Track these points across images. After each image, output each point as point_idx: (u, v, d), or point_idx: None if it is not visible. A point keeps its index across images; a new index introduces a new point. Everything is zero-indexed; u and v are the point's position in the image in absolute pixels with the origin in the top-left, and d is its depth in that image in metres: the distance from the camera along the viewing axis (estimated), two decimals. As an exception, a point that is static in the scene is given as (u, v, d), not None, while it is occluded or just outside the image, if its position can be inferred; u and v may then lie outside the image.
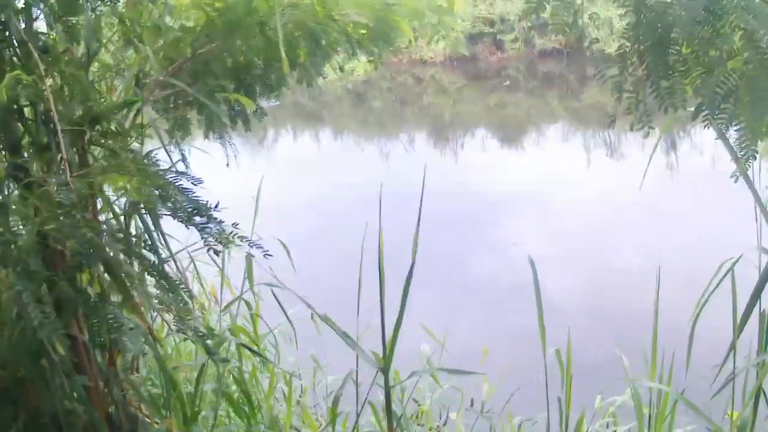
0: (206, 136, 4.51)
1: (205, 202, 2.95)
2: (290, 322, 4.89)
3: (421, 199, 3.65)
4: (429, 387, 6.13)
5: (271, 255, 3.21)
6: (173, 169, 3.31)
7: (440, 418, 6.62)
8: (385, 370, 3.56)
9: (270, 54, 4.37)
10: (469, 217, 14.47)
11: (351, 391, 4.18)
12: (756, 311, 3.37)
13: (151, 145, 4.03)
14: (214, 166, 4.69)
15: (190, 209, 2.91)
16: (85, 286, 3.14)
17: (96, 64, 3.71)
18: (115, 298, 3.26)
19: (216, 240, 2.88)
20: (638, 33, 2.52)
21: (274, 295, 4.83)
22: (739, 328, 3.43)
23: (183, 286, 3.23)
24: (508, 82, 32.43)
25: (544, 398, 4.15)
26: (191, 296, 3.27)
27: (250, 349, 4.82)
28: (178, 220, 2.97)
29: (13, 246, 2.65)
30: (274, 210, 13.18)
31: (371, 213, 3.67)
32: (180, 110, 4.28)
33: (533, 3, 2.56)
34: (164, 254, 3.59)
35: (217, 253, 3.02)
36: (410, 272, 3.55)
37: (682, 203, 13.37)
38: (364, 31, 4.76)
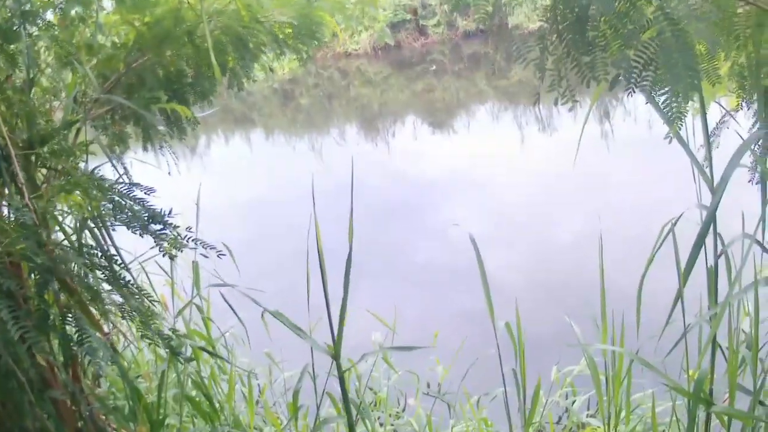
0: (144, 148, 4.58)
1: (159, 210, 3.04)
2: (241, 322, 4.95)
3: (352, 189, 3.70)
4: (384, 375, 6.22)
5: (224, 254, 3.30)
6: (127, 181, 3.38)
7: (399, 404, 6.72)
8: (336, 356, 3.64)
9: (200, 61, 4.46)
10: (408, 204, 14.52)
11: (309, 385, 4.26)
12: (703, 267, 3.47)
13: (93, 161, 4.09)
14: (152, 177, 4.76)
15: (145, 218, 3.00)
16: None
17: (35, 88, 3.79)
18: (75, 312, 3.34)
19: (171, 245, 2.97)
20: (556, 14, 2.62)
21: (222, 296, 4.89)
22: (683, 280, 3.42)
23: (145, 291, 3.31)
24: (434, 67, 32.44)
25: (499, 374, 4.25)
26: (153, 301, 3.35)
27: (207, 351, 4.89)
28: (133, 231, 3.06)
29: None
30: (213, 215, 13.20)
31: (309, 209, 3.74)
32: (118, 125, 4.35)
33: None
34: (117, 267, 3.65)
35: (172, 258, 3.11)
36: (348, 260, 3.63)
37: (620, 171, 13.52)
38: (289, 30, 4.84)
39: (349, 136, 24.81)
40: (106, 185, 3.08)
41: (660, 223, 3.74)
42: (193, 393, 4.85)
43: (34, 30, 3.48)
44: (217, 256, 3.30)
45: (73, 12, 4.05)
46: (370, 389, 6.17)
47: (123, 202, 3.05)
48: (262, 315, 4.68)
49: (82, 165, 3.64)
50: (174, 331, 3.64)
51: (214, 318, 5.44)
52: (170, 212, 3.11)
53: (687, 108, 2.97)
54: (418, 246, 12.36)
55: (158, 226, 3.03)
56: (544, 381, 5.03)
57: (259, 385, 6.33)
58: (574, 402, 5.49)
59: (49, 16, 3.76)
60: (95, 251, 3.32)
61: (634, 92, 2.64)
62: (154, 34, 4.23)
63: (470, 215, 13.41)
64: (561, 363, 5.76)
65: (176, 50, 4.38)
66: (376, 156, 19.98)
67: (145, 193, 3.22)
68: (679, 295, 3.51)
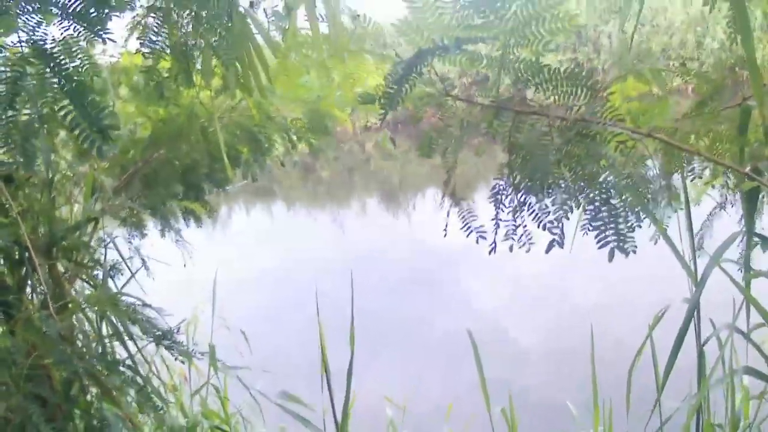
0: (162, 235, 4.79)
1: (168, 329, 3.33)
2: (256, 401, 5.11)
3: (352, 308, 3.88)
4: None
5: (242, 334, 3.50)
6: (140, 303, 3.64)
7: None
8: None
9: (214, 154, 4.65)
10: (428, 275, 14.61)
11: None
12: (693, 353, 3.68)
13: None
14: (172, 252, 4.98)
15: (158, 334, 3.28)
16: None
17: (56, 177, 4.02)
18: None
19: (181, 355, 3.27)
20: (512, 169, 2.78)
21: (239, 379, 5.04)
22: (666, 373, 3.61)
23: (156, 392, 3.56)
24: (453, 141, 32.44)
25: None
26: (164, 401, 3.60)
27: (222, 430, 5.04)
28: (148, 341, 3.38)
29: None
30: (234, 285, 13.41)
31: (329, 280, 3.89)
32: (136, 215, 4.55)
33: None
34: (133, 349, 3.89)
35: (183, 362, 3.42)
36: (350, 366, 3.82)
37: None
38: (300, 125, 5.05)
39: (370, 209, 24.95)
40: (121, 308, 3.33)
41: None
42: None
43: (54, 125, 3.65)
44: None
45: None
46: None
47: (138, 317, 3.32)
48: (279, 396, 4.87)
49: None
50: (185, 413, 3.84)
51: (234, 390, 5.55)
52: (178, 330, 3.40)
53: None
54: (437, 316, 12.40)
55: (168, 341, 3.30)
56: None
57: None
58: None
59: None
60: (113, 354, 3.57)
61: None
62: (169, 130, 4.44)
63: (490, 285, 13.51)
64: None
65: (191, 145, 4.58)
66: (397, 228, 20.11)
67: (156, 312, 3.52)
68: (657, 402, 3.78)
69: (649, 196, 3.32)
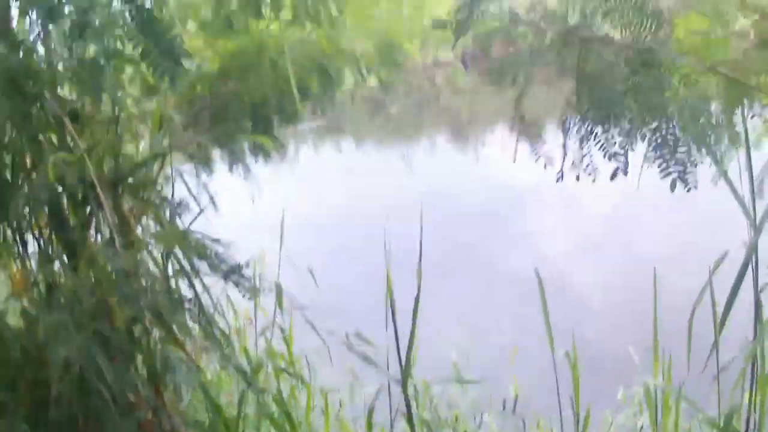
0: (231, 170, 4.72)
1: (237, 264, 3.27)
2: (324, 341, 5.07)
3: (420, 246, 3.80)
4: (461, 391, 6.26)
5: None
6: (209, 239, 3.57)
7: (475, 420, 6.75)
8: (403, 384, 3.75)
9: (284, 88, 4.56)
10: (496, 213, 14.55)
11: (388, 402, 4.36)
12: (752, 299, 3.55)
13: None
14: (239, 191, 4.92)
15: (226, 270, 3.21)
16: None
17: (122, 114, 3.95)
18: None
19: (248, 292, 3.21)
20: (580, 96, 2.70)
21: (305, 318, 5.00)
22: (724, 315, 3.54)
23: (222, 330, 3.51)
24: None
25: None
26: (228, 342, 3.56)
27: (286, 371, 5.01)
28: (216, 277, 3.32)
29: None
30: (302, 223, 13.41)
31: (397, 218, 3.82)
32: (204, 151, 4.48)
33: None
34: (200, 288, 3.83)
35: (251, 298, 3.35)
36: (417, 301, 3.74)
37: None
38: (369, 56, 4.93)
39: (439, 146, 24.84)
40: (190, 242, 3.27)
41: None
42: (274, 408, 4.97)
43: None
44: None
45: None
46: (450, 406, 6.19)
47: (207, 252, 3.26)
48: (346, 336, 4.81)
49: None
50: (249, 358, 3.80)
51: (298, 328, 5.52)
52: (247, 264, 3.32)
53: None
54: (503, 254, 12.31)
55: (236, 277, 3.24)
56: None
57: (339, 400, 6.41)
58: (639, 423, 5.49)
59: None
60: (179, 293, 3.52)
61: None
62: (237, 64, 4.35)
63: (556, 226, 13.39)
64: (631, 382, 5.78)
65: (260, 78, 4.49)
66: (466, 165, 19.98)
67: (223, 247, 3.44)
68: (716, 344, 3.67)
69: (710, 133, 3.21)
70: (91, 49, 3.31)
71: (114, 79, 3.54)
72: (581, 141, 2.70)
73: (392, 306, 3.77)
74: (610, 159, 2.64)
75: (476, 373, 6.15)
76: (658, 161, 2.39)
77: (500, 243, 13.05)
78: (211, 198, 4.37)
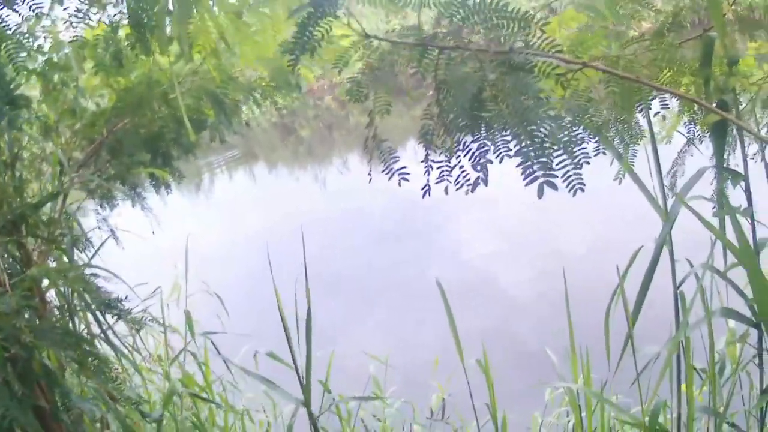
0: (133, 205, 4.80)
1: (115, 297, 3.38)
2: (229, 369, 5.17)
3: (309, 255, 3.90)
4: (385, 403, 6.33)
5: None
6: (91, 269, 3.68)
7: (403, 430, 6.82)
8: (306, 404, 3.85)
9: (179, 119, 4.64)
10: (413, 228, 14.64)
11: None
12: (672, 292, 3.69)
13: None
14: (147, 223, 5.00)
15: (106, 303, 3.33)
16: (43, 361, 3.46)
17: (25, 154, 4.04)
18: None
19: (131, 324, 3.32)
20: (441, 106, 2.71)
21: (214, 345, 5.10)
22: (636, 311, 3.56)
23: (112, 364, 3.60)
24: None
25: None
26: (126, 370, 3.66)
27: (199, 397, 5.09)
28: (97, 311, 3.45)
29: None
30: (218, 251, 13.44)
31: (314, 239, 3.90)
32: (104, 186, 4.55)
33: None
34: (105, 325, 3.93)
35: (137, 330, 3.47)
36: (308, 319, 3.85)
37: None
38: (265, 84, 5.04)
39: (352, 165, 24.97)
40: (74, 276, 3.36)
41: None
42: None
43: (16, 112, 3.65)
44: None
45: (55, 77, 4.26)
46: (377, 418, 6.26)
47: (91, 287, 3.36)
48: (255, 356, 4.91)
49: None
50: (140, 396, 3.90)
51: (226, 347, 5.57)
52: (126, 297, 3.44)
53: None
54: (427, 267, 12.39)
55: (115, 310, 3.34)
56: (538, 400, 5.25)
57: (267, 420, 6.47)
58: (569, 423, 5.57)
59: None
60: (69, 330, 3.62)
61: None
62: (130, 99, 4.43)
63: (477, 234, 13.55)
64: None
65: (153, 112, 4.58)
66: (381, 183, 20.09)
67: (104, 279, 3.59)
68: (629, 337, 3.72)
69: (611, 132, 3.33)
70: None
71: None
72: (448, 152, 2.67)
73: (284, 326, 3.86)
74: (476, 169, 2.58)
75: (402, 383, 6.30)
76: (521, 166, 2.39)
77: (422, 255, 13.16)
78: (113, 232, 4.46)
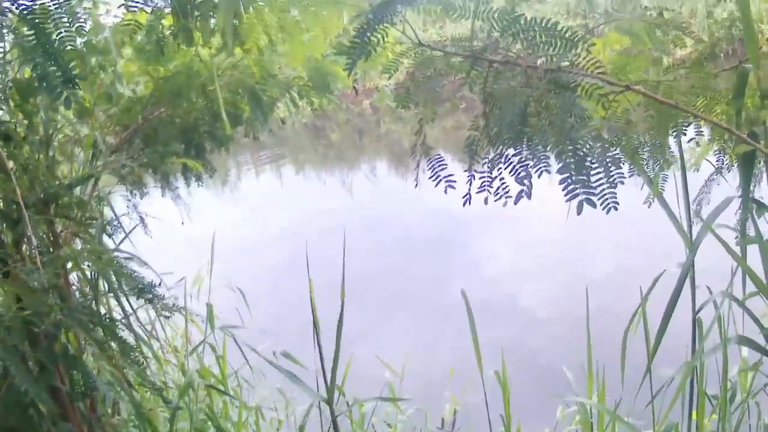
0: (163, 195, 4.82)
1: (149, 283, 3.39)
2: (249, 365, 5.18)
3: (344, 255, 3.90)
4: (398, 410, 6.32)
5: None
6: (124, 255, 3.70)
7: (414, 437, 6.81)
8: (329, 402, 3.84)
9: (215, 112, 4.66)
10: (440, 239, 14.60)
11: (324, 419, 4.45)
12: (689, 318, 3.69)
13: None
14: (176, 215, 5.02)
15: (139, 287, 3.33)
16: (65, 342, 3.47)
17: (59, 136, 4.06)
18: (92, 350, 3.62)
19: (163, 310, 3.32)
20: (488, 119, 2.73)
21: (234, 340, 5.09)
22: (659, 335, 3.57)
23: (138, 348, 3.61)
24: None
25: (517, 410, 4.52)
26: (146, 356, 3.66)
27: (215, 389, 5.10)
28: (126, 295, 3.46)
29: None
30: (242, 247, 13.46)
31: (337, 244, 3.90)
32: (136, 173, 4.57)
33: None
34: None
35: (167, 317, 3.47)
36: (340, 320, 3.84)
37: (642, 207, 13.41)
38: (302, 83, 5.05)
39: (380, 172, 24.96)
40: (105, 259, 3.38)
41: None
42: (209, 424, 5.04)
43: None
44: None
45: (93, 60, 4.27)
46: (388, 424, 6.26)
47: (122, 270, 3.37)
48: (274, 354, 4.91)
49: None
50: (165, 383, 3.90)
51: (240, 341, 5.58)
52: (160, 283, 3.45)
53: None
54: (449, 280, 12.35)
55: (148, 295, 3.35)
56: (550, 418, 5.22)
57: (278, 418, 6.48)
58: None
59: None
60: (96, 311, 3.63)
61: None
62: (169, 88, 4.45)
63: (501, 249, 13.51)
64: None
65: (191, 103, 4.59)
66: (407, 192, 20.08)
67: (138, 264, 3.58)
68: (648, 370, 3.77)
69: (644, 156, 3.33)
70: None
71: (47, 101, 3.62)
72: (491, 163, 2.70)
73: (316, 327, 3.86)
74: (517, 182, 2.61)
75: (416, 392, 6.29)
76: (563, 183, 2.41)
77: (445, 267, 13.11)
78: (142, 219, 4.48)
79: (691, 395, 3.88)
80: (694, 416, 3.92)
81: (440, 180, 2.78)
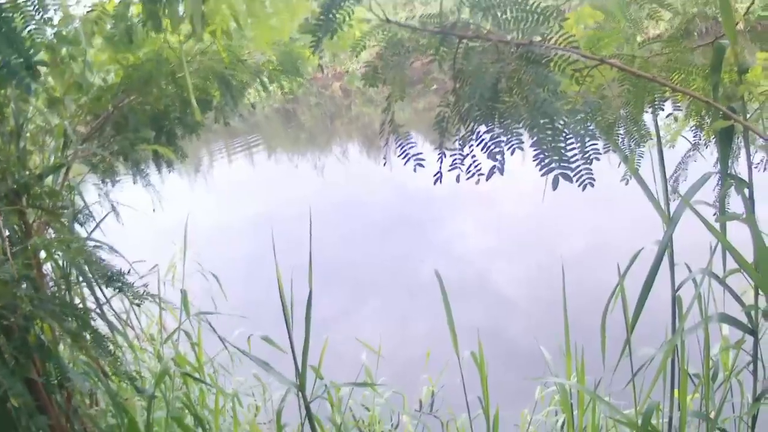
0: (134, 182, 4.80)
1: (117, 270, 3.36)
2: (226, 347, 5.16)
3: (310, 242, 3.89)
4: (375, 393, 6.32)
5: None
6: (93, 242, 3.68)
7: (392, 420, 6.81)
8: (301, 388, 3.83)
9: (185, 99, 4.64)
10: (412, 219, 14.62)
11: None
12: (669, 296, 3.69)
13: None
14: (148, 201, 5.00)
15: (108, 275, 3.32)
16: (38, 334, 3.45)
17: (30, 126, 4.04)
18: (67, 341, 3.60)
19: (133, 297, 3.31)
20: (458, 95, 2.70)
21: (210, 324, 5.08)
22: (636, 313, 3.52)
23: (108, 337, 3.58)
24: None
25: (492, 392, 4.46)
26: (120, 346, 3.65)
27: (190, 376, 5.09)
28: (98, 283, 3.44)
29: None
30: (215, 232, 13.43)
31: (308, 228, 3.88)
32: (107, 161, 4.55)
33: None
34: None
35: (138, 305, 3.46)
36: (308, 304, 3.83)
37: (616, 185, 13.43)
38: (272, 67, 5.03)
39: (351, 154, 24.95)
40: (75, 247, 3.36)
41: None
42: (186, 412, 5.03)
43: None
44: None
45: (63, 51, 4.24)
46: (366, 408, 6.26)
47: (93, 259, 3.36)
48: (248, 339, 4.91)
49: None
50: (139, 373, 3.89)
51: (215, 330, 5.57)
52: (129, 271, 3.44)
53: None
54: (422, 260, 12.37)
55: (117, 283, 3.33)
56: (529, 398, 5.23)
57: (256, 404, 6.48)
58: (558, 422, 5.55)
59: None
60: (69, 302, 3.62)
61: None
62: (138, 76, 4.43)
63: (474, 229, 13.52)
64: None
65: (161, 90, 4.57)
66: (379, 173, 20.08)
67: (107, 252, 3.57)
68: (627, 342, 3.73)
69: (619, 132, 3.33)
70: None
71: (17, 92, 3.60)
72: (462, 141, 2.69)
73: (286, 314, 3.84)
74: (490, 158, 2.59)
75: (392, 374, 6.30)
76: (537, 158, 2.39)
77: (416, 248, 13.11)
78: (113, 207, 4.46)
79: (673, 374, 3.88)
80: (675, 395, 3.89)
81: (409, 158, 2.75)
